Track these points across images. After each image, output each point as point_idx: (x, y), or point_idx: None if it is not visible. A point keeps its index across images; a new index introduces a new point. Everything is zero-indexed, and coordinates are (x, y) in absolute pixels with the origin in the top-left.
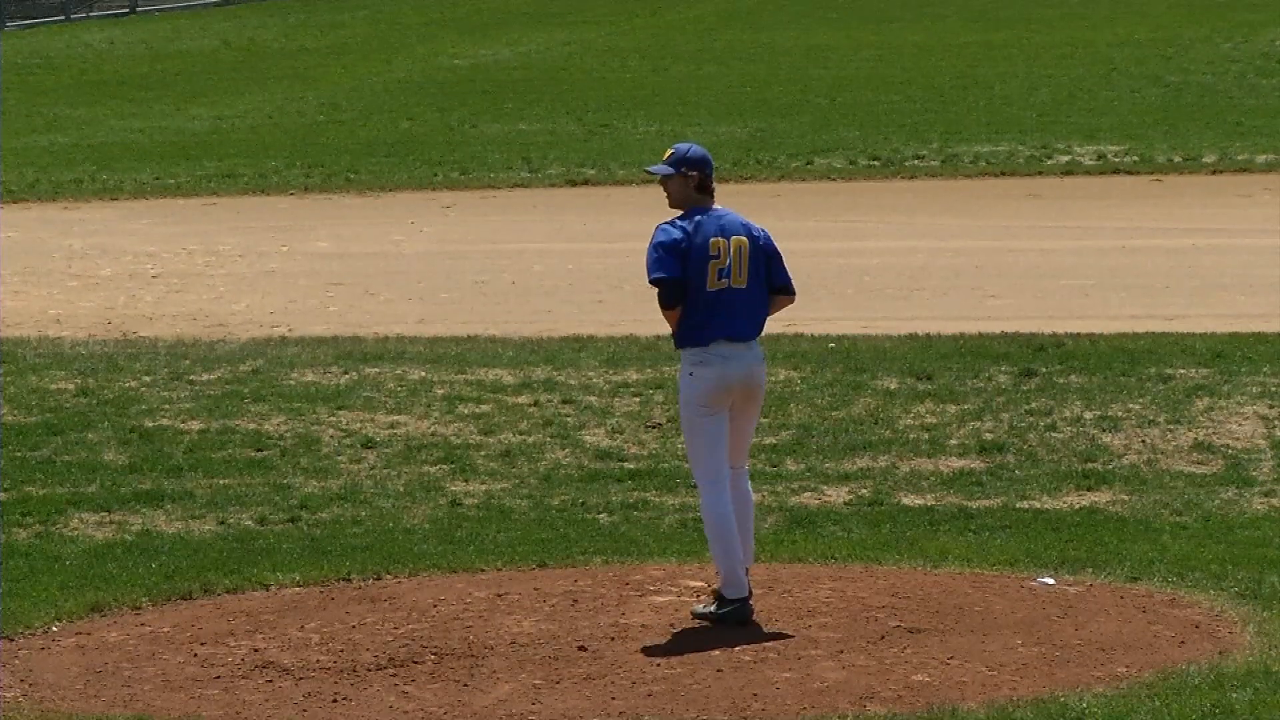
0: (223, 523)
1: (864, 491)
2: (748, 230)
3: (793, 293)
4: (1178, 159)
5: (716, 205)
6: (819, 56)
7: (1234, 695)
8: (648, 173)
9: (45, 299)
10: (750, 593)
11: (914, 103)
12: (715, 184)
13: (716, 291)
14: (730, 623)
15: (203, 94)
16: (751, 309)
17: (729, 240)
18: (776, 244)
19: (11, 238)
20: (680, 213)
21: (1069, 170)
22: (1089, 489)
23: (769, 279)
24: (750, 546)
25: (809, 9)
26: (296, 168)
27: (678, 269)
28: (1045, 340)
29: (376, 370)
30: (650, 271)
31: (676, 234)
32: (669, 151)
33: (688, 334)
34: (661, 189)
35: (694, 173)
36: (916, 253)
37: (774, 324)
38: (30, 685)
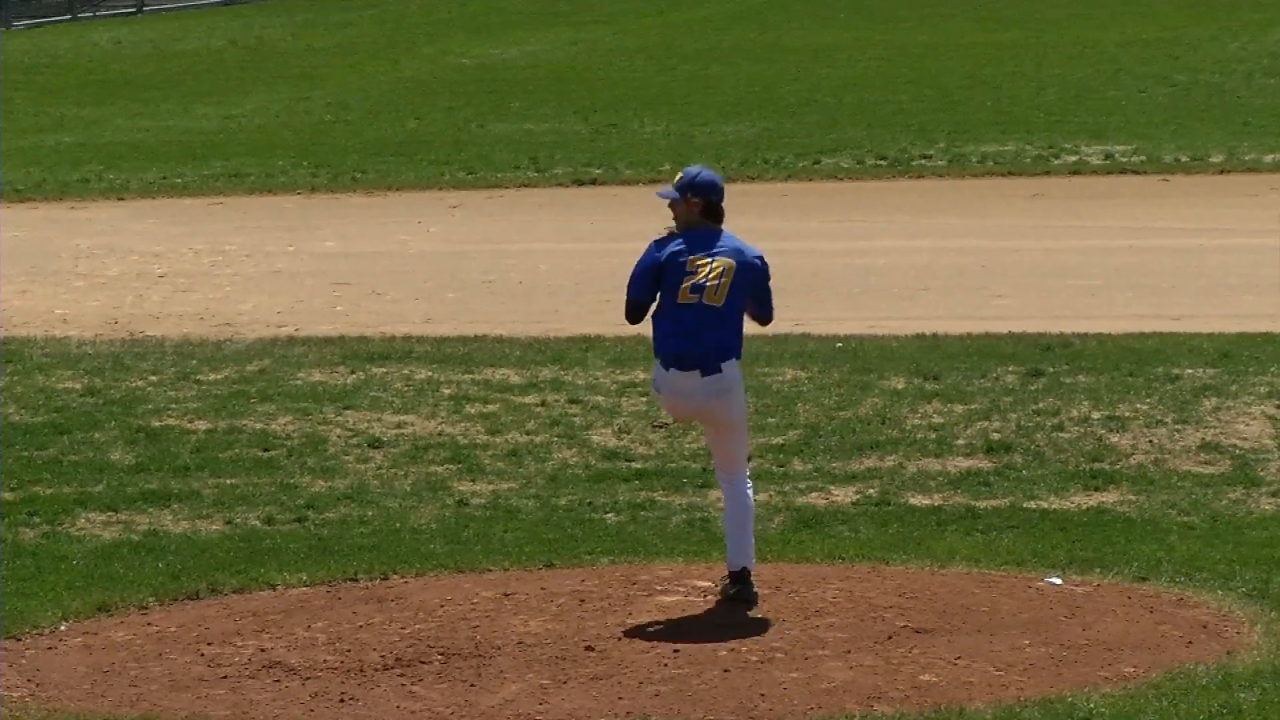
0: (230, 522)
1: (871, 491)
2: (739, 254)
3: (766, 321)
4: (1185, 159)
5: (725, 229)
6: (826, 56)
7: (1241, 695)
8: (657, 196)
9: (52, 298)
10: (756, 595)
11: (921, 103)
12: (727, 184)
13: (686, 305)
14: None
15: (210, 93)
16: (719, 329)
17: (714, 259)
18: (770, 278)
19: (18, 237)
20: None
21: (1076, 170)
22: (1096, 489)
23: (751, 302)
24: (747, 547)
25: (816, 9)
26: (303, 167)
27: (646, 292)
28: (1052, 340)
29: (383, 370)
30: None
31: (656, 256)
32: (679, 174)
33: (655, 343)
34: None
35: (697, 199)
36: (923, 252)
37: (781, 324)
38: (37, 685)
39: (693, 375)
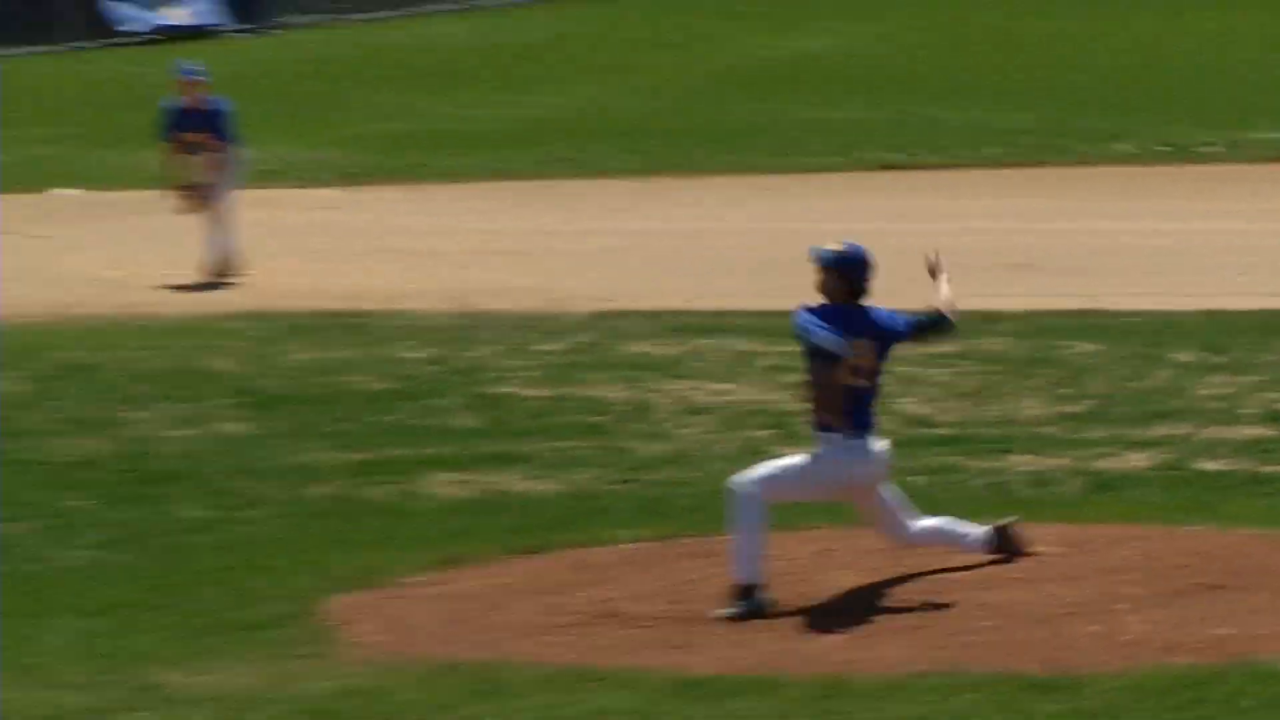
0: (565, 482)
1: (1164, 457)
2: (873, 326)
3: (921, 331)
4: None
5: (865, 303)
6: (1112, 44)
7: None
8: (810, 255)
9: (397, 275)
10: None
11: (1205, 89)
12: (1019, 168)
13: (850, 385)
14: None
15: (537, 83)
16: (874, 406)
17: (862, 339)
18: (896, 317)
19: (363, 219)
20: (823, 300)
21: None
22: None
23: (914, 339)
24: (968, 529)
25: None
26: (627, 152)
27: (838, 338)
28: None
29: (704, 341)
30: (830, 346)
31: (825, 327)
32: (840, 244)
33: (838, 416)
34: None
35: (839, 276)
36: (1206, 234)
37: (1073, 299)
38: (394, 633)
39: (872, 443)
